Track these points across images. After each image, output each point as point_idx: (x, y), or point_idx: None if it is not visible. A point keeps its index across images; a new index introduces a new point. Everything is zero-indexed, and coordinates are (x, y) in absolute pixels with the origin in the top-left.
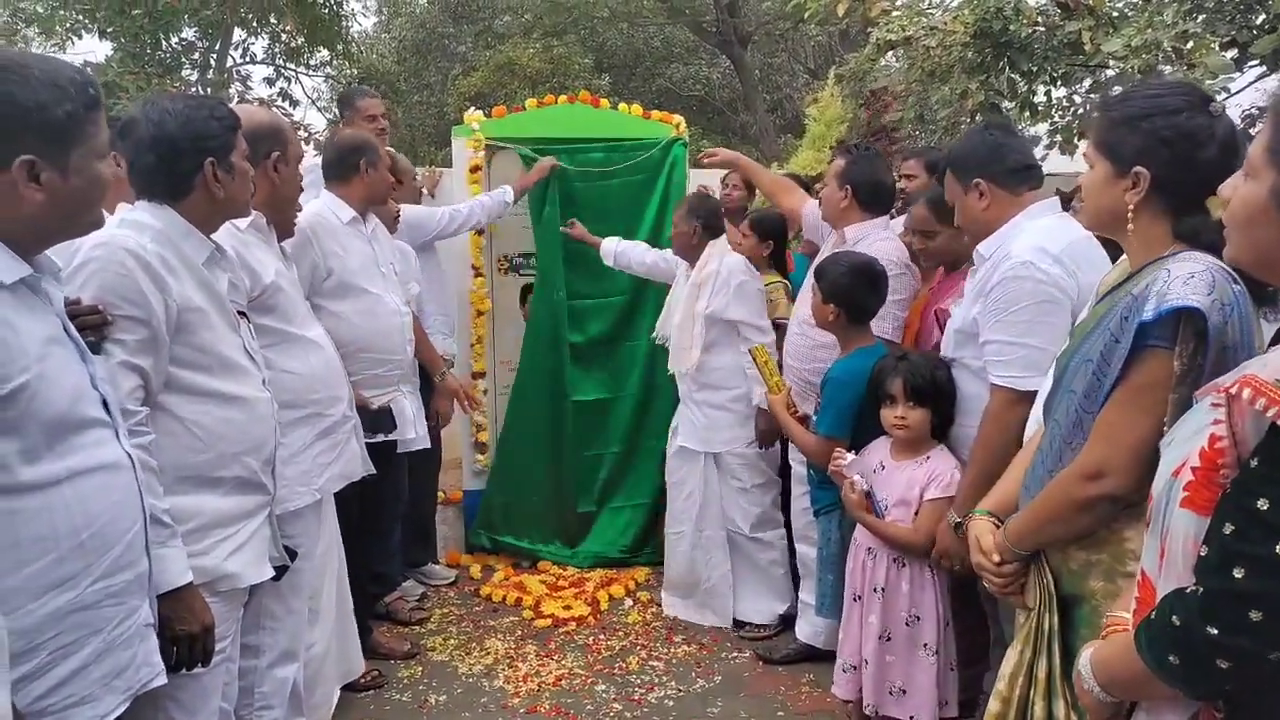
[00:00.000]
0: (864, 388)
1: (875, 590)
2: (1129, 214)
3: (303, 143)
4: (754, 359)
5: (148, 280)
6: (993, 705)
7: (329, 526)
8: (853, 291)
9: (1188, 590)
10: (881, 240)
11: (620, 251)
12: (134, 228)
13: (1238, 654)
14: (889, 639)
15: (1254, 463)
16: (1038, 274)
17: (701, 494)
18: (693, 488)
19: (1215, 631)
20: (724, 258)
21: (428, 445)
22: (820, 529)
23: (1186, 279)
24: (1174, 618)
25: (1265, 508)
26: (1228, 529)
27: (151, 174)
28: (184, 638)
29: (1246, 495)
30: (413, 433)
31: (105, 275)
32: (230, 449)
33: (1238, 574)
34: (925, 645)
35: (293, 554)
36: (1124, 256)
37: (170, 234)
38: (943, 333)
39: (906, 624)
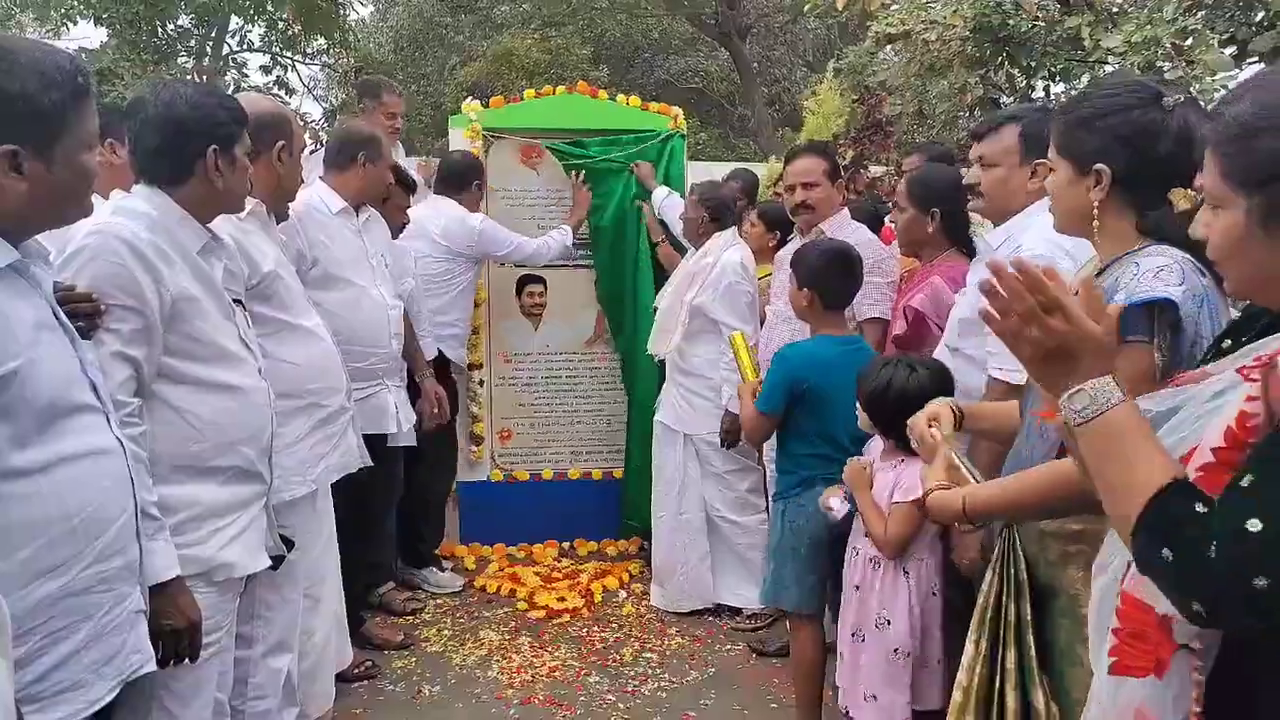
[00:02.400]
0: (806, 373)
1: (855, 587)
2: (1094, 212)
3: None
4: (732, 346)
5: (142, 269)
6: (955, 696)
7: (327, 517)
8: (826, 276)
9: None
10: (855, 229)
11: (666, 205)
12: (128, 215)
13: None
14: (863, 639)
15: None
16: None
17: (680, 477)
18: (671, 472)
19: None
20: (723, 253)
21: (412, 442)
22: (772, 515)
23: (1156, 272)
24: (1210, 548)
25: None
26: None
27: (153, 155)
28: (170, 633)
29: None
30: (395, 427)
31: (99, 264)
32: (226, 438)
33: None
34: (895, 650)
35: (290, 543)
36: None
37: (165, 221)
38: (909, 325)
39: (877, 626)
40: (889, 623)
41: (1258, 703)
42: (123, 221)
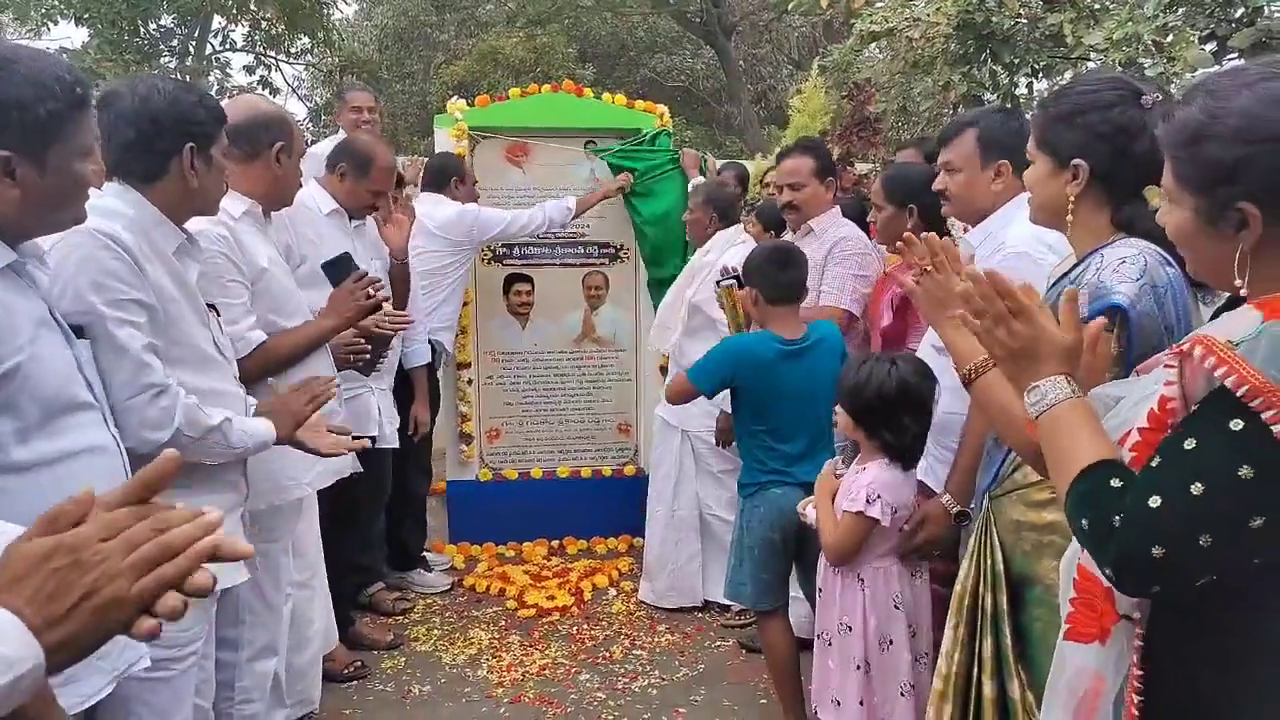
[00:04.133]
0: (738, 369)
1: (820, 590)
2: (1070, 206)
3: None
4: (721, 300)
5: (132, 264)
6: (935, 684)
7: (314, 513)
8: (763, 272)
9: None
10: (843, 225)
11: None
12: (105, 215)
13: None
14: (829, 643)
15: (1193, 408)
16: (1031, 266)
17: (677, 473)
18: (669, 467)
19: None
20: (724, 252)
21: (395, 444)
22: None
23: (1117, 265)
24: (1116, 518)
25: (1191, 447)
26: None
27: (126, 150)
28: None
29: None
30: (376, 430)
31: (99, 261)
32: None
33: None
34: (852, 659)
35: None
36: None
37: (142, 222)
38: (895, 315)
39: (839, 631)
40: (849, 629)
41: (1187, 665)
42: (100, 221)
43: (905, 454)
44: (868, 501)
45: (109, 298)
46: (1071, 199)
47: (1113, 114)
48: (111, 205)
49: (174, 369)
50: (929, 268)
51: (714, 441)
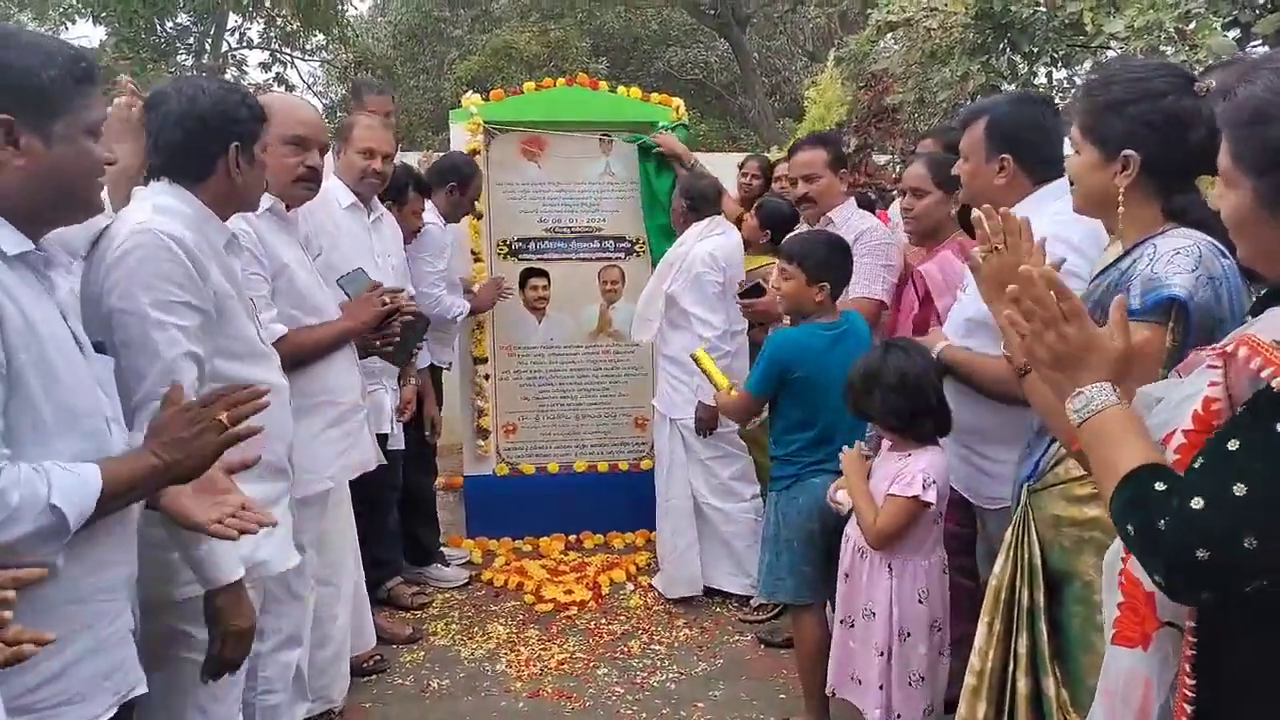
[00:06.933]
0: (799, 363)
1: (845, 575)
2: (1120, 197)
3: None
4: (697, 363)
5: (194, 266)
6: (969, 680)
7: (345, 509)
8: (842, 266)
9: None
10: (863, 216)
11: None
12: (166, 213)
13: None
14: (851, 625)
15: (1238, 410)
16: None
17: (669, 460)
18: (663, 456)
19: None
20: (696, 243)
21: (400, 445)
22: (767, 506)
23: (1171, 257)
24: (1161, 521)
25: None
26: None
27: (175, 151)
28: (234, 634)
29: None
30: (389, 427)
31: (157, 262)
32: (263, 436)
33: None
34: (875, 644)
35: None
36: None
37: (198, 219)
38: (918, 293)
39: (863, 615)
40: (874, 614)
41: (1231, 669)
42: (165, 220)
43: (943, 432)
44: (924, 487)
45: (155, 299)
46: (1121, 190)
47: (1164, 103)
48: (170, 203)
49: (229, 362)
50: (999, 245)
51: (697, 433)
